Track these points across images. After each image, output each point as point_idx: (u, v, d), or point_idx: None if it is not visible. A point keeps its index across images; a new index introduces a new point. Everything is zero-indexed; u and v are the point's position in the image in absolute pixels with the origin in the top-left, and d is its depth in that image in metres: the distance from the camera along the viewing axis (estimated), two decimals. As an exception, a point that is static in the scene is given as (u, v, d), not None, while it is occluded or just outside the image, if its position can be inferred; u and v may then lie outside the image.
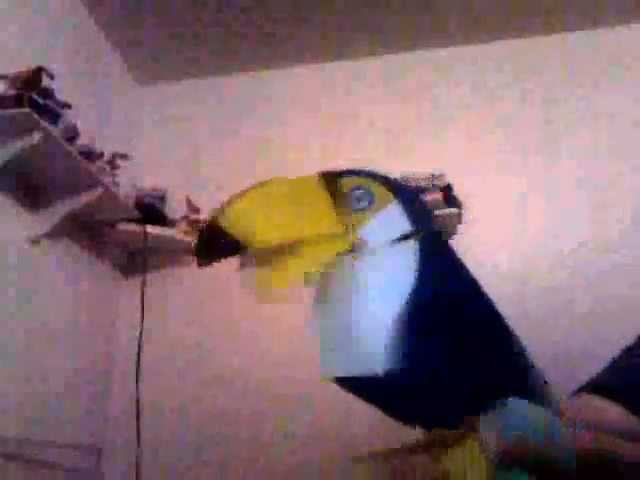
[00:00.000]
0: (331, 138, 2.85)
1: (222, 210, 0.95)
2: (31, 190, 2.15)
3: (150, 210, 2.55)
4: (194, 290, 2.74)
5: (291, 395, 2.51)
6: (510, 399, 0.95)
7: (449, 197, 2.48)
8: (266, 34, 2.82)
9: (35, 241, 2.14)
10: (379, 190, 1.00)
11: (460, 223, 2.55)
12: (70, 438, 2.24)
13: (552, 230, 2.57)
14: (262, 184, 0.97)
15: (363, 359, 0.94)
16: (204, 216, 2.72)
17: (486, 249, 2.55)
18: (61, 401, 2.23)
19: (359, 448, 2.39)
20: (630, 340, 1.17)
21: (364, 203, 0.99)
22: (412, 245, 0.97)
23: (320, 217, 0.98)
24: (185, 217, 2.69)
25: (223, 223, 0.93)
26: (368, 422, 2.40)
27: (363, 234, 0.97)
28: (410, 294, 0.92)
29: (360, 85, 2.95)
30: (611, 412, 1.00)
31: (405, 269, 0.95)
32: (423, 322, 0.93)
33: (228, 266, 2.86)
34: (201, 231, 0.98)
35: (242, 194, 0.97)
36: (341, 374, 0.94)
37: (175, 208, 2.68)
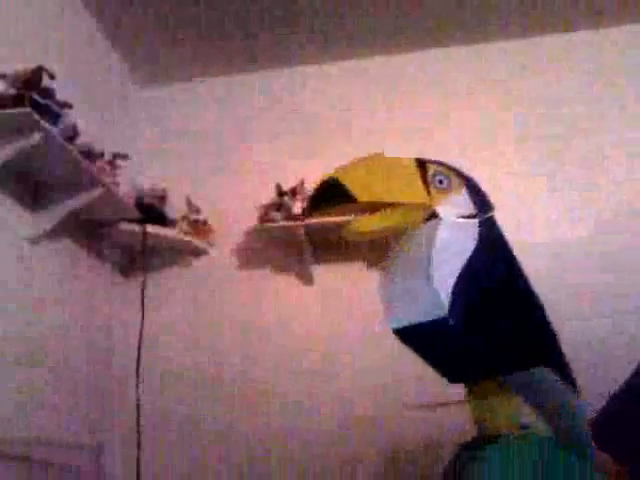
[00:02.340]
0: (331, 138, 2.85)
1: (343, 168, 1.24)
2: (31, 190, 2.14)
3: (150, 210, 2.55)
4: (194, 290, 2.75)
5: (292, 394, 2.51)
6: (538, 369, 1.24)
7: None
8: (266, 35, 2.83)
9: (35, 241, 2.13)
10: (454, 178, 1.32)
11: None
12: (70, 438, 2.23)
13: (555, 230, 2.57)
14: (372, 156, 1.28)
15: (421, 308, 1.18)
16: (204, 216, 2.72)
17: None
18: (61, 401, 2.23)
19: (359, 448, 2.39)
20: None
21: (444, 185, 1.29)
22: (474, 224, 1.28)
23: (411, 189, 1.26)
24: (185, 217, 2.69)
25: (342, 178, 1.21)
26: (367, 425, 2.41)
27: (439, 208, 1.27)
28: (469, 259, 1.20)
29: (360, 85, 2.95)
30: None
31: (468, 242, 1.24)
32: (475, 283, 1.19)
33: (227, 266, 2.88)
34: (321, 183, 1.25)
35: (359, 159, 1.26)
36: (405, 323, 1.20)
37: (175, 208, 2.68)
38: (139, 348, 2.51)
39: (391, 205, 1.26)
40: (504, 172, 2.66)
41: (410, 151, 2.69)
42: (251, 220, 2.65)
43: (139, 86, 3.11)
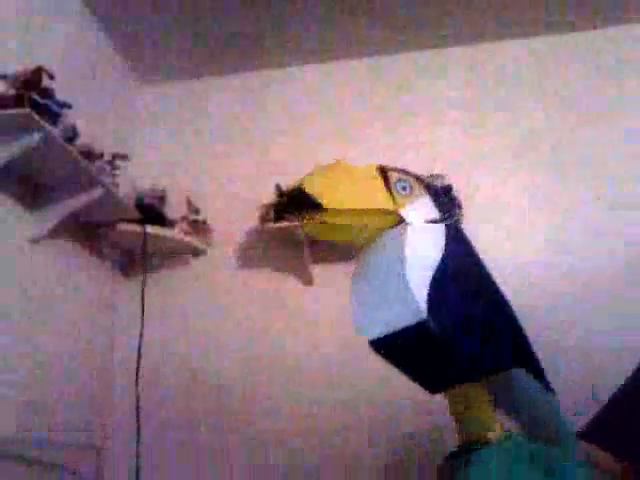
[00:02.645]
0: (330, 138, 2.85)
1: (307, 178, 1.25)
2: (31, 190, 2.15)
3: (150, 210, 2.55)
4: (194, 290, 2.75)
5: (292, 395, 2.51)
6: (515, 370, 1.23)
7: (449, 197, 2.48)
8: (266, 34, 2.82)
9: (35, 241, 2.13)
10: (416, 185, 1.33)
11: (460, 223, 2.55)
12: (70, 438, 2.24)
13: (551, 231, 2.57)
14: (334, 165, 1.29)
15: (398, 314, 1.17)
16: (204, 216, 2.72)
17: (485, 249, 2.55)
18: (61, 401, 2.23)
19: (360, 450, 2.39)
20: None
21: (406, 192, 1.30)
22: (440, 228, 1.28)
23: (376, 196, 1.28)
24: (185, 217, 2.69)
25: (307, 188, 1.22)
26: (367, 425, 2.41)
27: (405, 214, 1.28)
28: (439, 265, 1.20)
29: (359, 86, 2.95)
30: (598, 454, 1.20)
31: (436, 245, 1.25)
32: (446, 287, 1.18)
33: (227, 266, 2.87)
34: (286, 192, 1.27)
35: (321, 168, 1.28)
36: (382, 332, 1.19)
37: (175, 208, 2.68)
38: (139, 348, 2.51)
39: (358, 211, 1.27)
40: (500, 176, 2.66)
41: (410, 151, 2.71)
42: (251, 220, 2.65)
43: (139, 85, 3.11)
